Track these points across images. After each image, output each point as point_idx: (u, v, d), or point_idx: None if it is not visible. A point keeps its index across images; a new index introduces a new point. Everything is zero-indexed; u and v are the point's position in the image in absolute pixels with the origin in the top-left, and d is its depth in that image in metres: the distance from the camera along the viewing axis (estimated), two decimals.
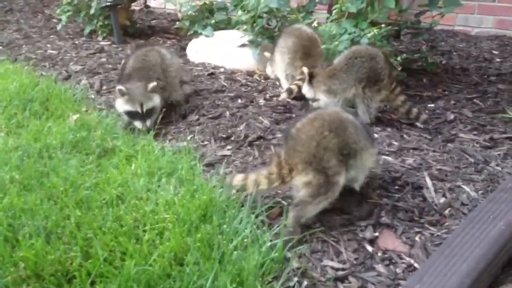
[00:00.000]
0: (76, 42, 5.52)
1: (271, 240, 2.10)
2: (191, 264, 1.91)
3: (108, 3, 5.22)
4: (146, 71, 3.41)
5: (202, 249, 2.00)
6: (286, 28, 4.10)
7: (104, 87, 4.12)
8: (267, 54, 4.24)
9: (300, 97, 3.71)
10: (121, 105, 3.23)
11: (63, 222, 2.16)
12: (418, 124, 3.34)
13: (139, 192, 2.42)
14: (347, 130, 2.29)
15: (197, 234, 2.07)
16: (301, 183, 2.24)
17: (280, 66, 3.98)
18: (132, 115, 3.22)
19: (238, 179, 2.36)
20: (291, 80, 3.89)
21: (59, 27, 5.74)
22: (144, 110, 3.20)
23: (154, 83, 3.27)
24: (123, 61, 4.23)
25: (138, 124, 3.22)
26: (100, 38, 5.59)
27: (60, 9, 5.75)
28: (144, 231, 2.12)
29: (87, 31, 5.66)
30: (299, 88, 3.64)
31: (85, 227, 2.12)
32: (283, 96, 3.75)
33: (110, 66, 4.63)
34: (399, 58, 3.76)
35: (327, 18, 4.26)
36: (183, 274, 1.87)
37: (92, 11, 5.46)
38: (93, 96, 3.92)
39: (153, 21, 6.63)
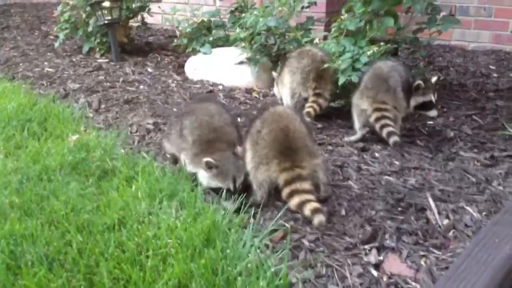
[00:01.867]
0: (74, 59, 5.52)
1: (275, 265, 2.08)
2: None
3: (107, 21, 5.22)
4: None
5: (206, 275, 1.98)
6: (297, 49, 4.06)
7: (103, 106, 4.10)
8: (275, 74, 4.23)
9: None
10: (208, 180, 2.68)
11: (65, 248, 2.13)
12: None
13: (140, 215, 2.39)
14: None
15: (200, 260, 2.04)
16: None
17: (288, 86, 3.94)
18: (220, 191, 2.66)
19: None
20: (297, 99, 3.89)
21: (56, 44, 5.73)
22: (237, 184, 2.65)
23: (240, 147, 2.74)
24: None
25: (227, 204, 2.55)
26: (97, 56, 5.58)
27: (57, 26, 5.74)
28: (147, 257, 2.10)
29: (85, 48, 5.65)
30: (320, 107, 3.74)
31: (88, 254, 2.09)
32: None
33: (108, 84, 4.61)
34: None
35: (325, 36, 4.28)
36: None
37: (90, 29, 5.46)
38: (91, 115, 3.90)
39: (150, 38, 6.63)
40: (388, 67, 3.43)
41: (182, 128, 2.87)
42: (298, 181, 2.48)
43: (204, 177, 2.70)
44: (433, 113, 3.43)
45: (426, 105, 3.39)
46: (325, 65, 3.70)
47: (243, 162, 2.66)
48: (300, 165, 2.52)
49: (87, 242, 2.16)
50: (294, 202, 2.45)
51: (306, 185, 2.48)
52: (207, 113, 2.86)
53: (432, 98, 3.35)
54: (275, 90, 4.24)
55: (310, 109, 3.71)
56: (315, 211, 2.37)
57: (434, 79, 3.44)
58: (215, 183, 2.67)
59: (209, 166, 2.62)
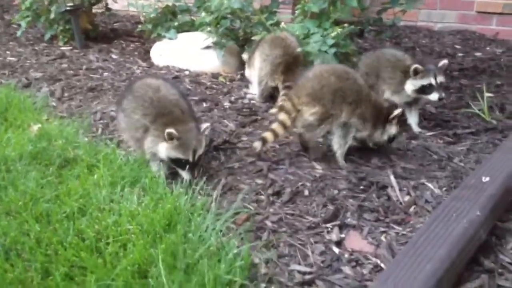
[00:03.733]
0: (37, 48, 5.39)
1: (238, 247, 2.08)
2: (155, 276, 1.87)
3: (68, 8, 5.11)
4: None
5: (167, 260, 1.96)
6: (271, 35, 3.95)
7: (66, 94, 4.02)
8: (245, 56, 4.19)
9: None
10: (168, 151, 2.63)
11: (23, 238, 2.09)
12: None
13: (101, 203, 2.36)
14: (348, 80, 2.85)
15: (161, 245, 2.03)
16: (308, 114, 2.82)
17: (257, 72, 3.90)
18: (180, 163, 2.66)
19: (257, 144, 2.82)
20: (264, 86, 3.86)
21: (18, 33, 5.61)
22: (196, 157, 2.67)
23: (208, 124, 2.82)
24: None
25: (186, 175, 2.64)
26: (61, 43, 5.46)
27: (19, 14, 5.61)
28: (108, 244, 2.07)
29: (47, 36, 5.53)
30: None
31: (46, 243, 2.06)
32: (274, 111, 3.59)
33: (71, 72, 4.52)
34: None
35: (292, 18, 4.25)
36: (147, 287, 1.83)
37: (52, 16, 5.33)
38: (54, 104, 3.83)
39: (116, 24, 6.52)
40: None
41: (129, 113, 2.81)
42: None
43: (164, 148, 2.63)
44: (433, 96, 3.21)
45: (426, 89, 3.22)
46: (298, 49, 3.67)
47: (204, 137, 2.75)
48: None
49: (45, 231, 2.13)
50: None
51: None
52: (150, 88, 2.80)
53: (432, 81, 3.18)
54: (247, 73, 4.21)
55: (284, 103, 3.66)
56: (261, 138, 2.83)
57: (442, 62, 3.32)
58: (175, 154, 2.61)
59: (170, 137, 2.58)
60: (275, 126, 2.85)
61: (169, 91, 2.82)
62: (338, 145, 2.85)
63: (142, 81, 2.92)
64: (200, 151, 2.69)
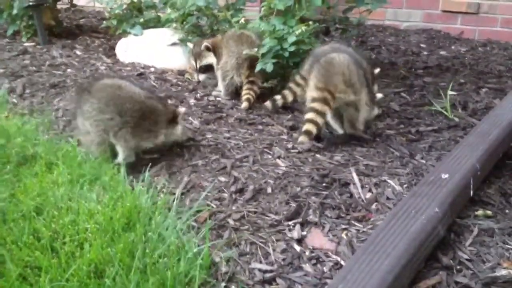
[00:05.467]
0: None
1: (198, 245, 2.06)
2: (111, 276, 1.83)
3: (31, 3, 4.99)
4: None
5: (125, 259, 1.93)
6: (234, 31, 3.94)
7: (27, 91, 3.92)
8: (190, 44, 4.14)
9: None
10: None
11: None
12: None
13: (59, 201, 2.31)
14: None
15: (119, 244, 1.99)
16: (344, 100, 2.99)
17: (222, 67, 3.86)
18: None
19: (303, 138, 2.98)
20: (228, 81, 3.84)
21: None
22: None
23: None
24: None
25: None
26: (24, 39, 5.33)
27: None
28: (64, 243, 2.03)
29: (9, 32, 5.39)
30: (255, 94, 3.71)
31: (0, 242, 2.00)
32: (245, 105, 3.64)
33: (34, 68, 4.41)
34: None
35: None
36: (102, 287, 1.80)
37: (15, 11, 5.20)
38: (15, 101, 3.73)
39: (81, 20, 6.40)
40: None
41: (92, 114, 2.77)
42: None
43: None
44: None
45: None
46: (244, 52, 3.66)
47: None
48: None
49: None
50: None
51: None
52: (111, 87, 2.80)
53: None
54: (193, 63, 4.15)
55: (249, 96, 3.65)
56: (304, 131, 2.98)
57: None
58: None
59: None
60: (312, 116, 2.94)
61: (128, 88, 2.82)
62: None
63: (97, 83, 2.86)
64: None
